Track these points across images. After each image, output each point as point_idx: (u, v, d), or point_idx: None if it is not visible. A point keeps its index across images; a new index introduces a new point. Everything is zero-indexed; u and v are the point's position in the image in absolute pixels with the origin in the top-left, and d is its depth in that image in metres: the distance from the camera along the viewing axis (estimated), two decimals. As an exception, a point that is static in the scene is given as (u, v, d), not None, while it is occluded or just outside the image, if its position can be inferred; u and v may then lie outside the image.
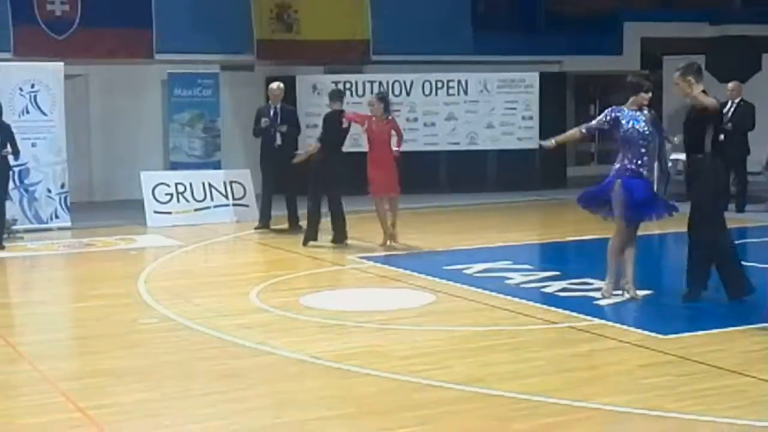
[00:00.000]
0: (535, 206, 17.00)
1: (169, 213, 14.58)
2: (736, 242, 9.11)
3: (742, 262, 8.76)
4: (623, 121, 8.38)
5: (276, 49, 18.51)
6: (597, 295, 8.66)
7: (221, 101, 17.86)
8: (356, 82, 18.18)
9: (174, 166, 17.05)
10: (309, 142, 12.64)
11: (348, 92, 17.72)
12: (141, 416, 5.71)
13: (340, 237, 12.07)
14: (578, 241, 12.41)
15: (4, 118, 12.50)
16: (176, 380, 6.42)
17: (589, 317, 7.90)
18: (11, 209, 13.27)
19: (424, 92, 18.45)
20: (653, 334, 7.29)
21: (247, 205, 14.94)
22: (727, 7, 22.86)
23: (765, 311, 7.67)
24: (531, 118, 18.61)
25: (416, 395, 5.97)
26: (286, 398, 6.01)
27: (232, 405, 5.87)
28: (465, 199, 17.11)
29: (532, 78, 18.76)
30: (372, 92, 17.41)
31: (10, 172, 12.76)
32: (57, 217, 14.18)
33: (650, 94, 8.51)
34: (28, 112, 14.05)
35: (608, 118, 8.43)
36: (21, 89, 14.05)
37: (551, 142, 8.78)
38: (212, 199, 14.90)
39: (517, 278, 9.70)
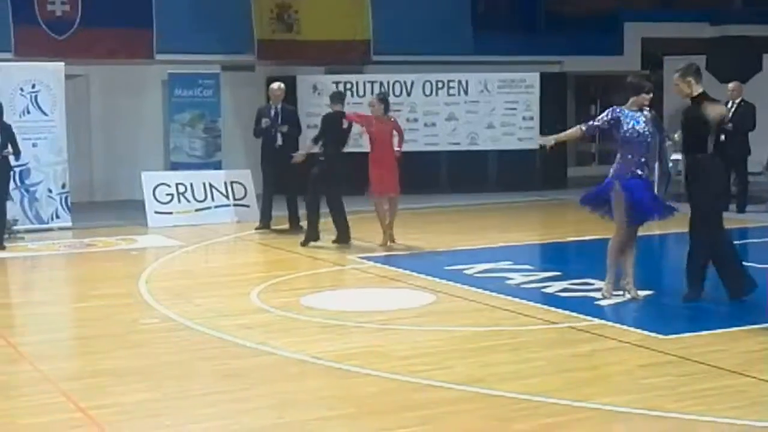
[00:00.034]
0: (536, 206, 17.00)
1: (170, 213, 14.58)
2: (737, 243, 9.11)
3: (743, 263, 8.78)
4: (624, 122, 8.38)
5: (276, 50, 18.52)
6: (597, 295, 8.66)
7: (222, 101, 17.85)
8: (357, 83, 18.18)
9: (175, 166, 17.05)
10: (309, 143, 12.63)
11: (349, 92, 17.73)
12: (142, 416, 5.71)
13: (343, 237, 12.08)
14: (579, 242, 12.42)
15: (5, 119, 12.51)
16: (177, 380, 6.43)
17: (589, 317, 7.91)
18: (12, 209, 13.27)
19: (424, 92, 18.45)
20: (653, 335, 7.30)
21: (247, 206, 14.94)
22: (727, 7, 22.86)
23: (766, 311, 7.67)
24: (531, 118, 18.61)
25: (417, 395, 5.98)
26: (286, 398, 6.01)
27: (233, 405, 5.88)
28: (465, 199, 17.11)
29: (533, 78, 18.75)
30: (372, 92, 17.42)
31: (11, 173, 12.77)
32: (58, 217, 14.18)
33: (651, 95, 8.51)
34: (28, 113, 14.05)
35: (609, 118, 8.43)
36: (22, 89, 14.05)
37: (550, 141, 8.77)
38: (213, 199, 14.91)
39: (517, 278, 9.71)
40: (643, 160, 8.40)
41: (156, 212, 14.53)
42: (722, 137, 8.40)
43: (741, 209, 14.71)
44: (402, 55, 19.02)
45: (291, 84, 16.53)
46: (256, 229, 13.71)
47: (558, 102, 19.50)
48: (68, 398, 6.02)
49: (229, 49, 18.21)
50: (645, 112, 8.47)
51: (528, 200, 17.37)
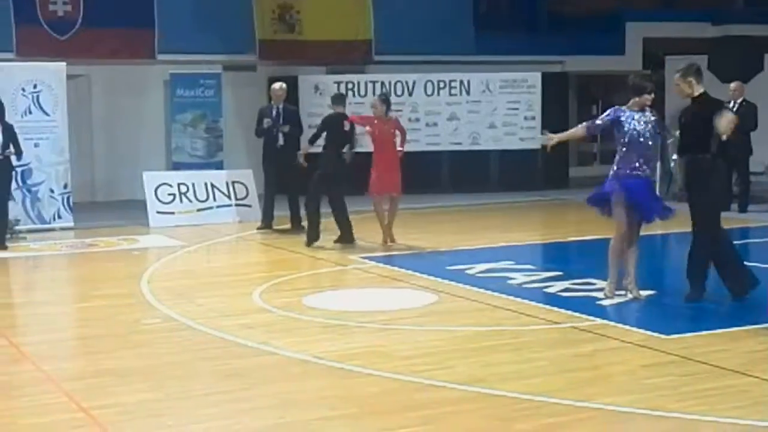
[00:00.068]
0: (538, 206, 17.00)
1: (172, 213, 14.59)
2: (740, 242, 9.11)
3: (744, 261, 8.78)
4: (625, 122, 8.37)
5: (278, 50, 18.52)
6: (599, 295, 8.66)
7: (223, 101, 17.88)
8: (358, 83, 18.19)
9: (176, 166, 17.07)
10: (306, 143, 12.64)
11: (350, 92, 17.76)
12: (144, 416, 5.72)
13: (347, 237, 12.07)
14: (581, 242, 12.41)
15: (7, 119, 12.52)
16: (179, 380, 6.43)
17: (591, 317, 7.90)
18: (14, 209, 13.27)
19: (426, 92, 18.45)
20: (656, 334, 7.29)
21: (249, 206, 14.94)
22: (729, 7, 22.85)
23: (767, 311, 7.67)
24: (533, 118, 18.60)
25: (418, 395, 5.98)
26: (288, 398, 6.01)
27: (235, 405, 5.88)
28: (467, 199, 17.11)
29: (535, 78, 18.75)
30: (374, 92, 17.44)
31: (13, 173, 12.77)
32: (60, 217, 14.19)
33: (653, 96, 8.50)
34: (30, 113, 14.06)
35: (611, 117, 8.43)
36: (23, 89, 14.06)
37: (552, 141, 8.74)
38: (215, 199, 14.91)
39: (519, 278, 9.71)
40: (643, 160, 8.39)
41: (158, 212, 14.54)
42: (723, 137, 8.38)
43: (743, 209, 14.71)
44: (403, 55, 19.02)
45: (292, 84, 16.54)
46: (258, 229, 13.72)
47: (560, 102, 19.50)
48: (70, 398, 6.02)
49: (231, 49, 18.21)
50: (647, 113, 8.46)
51: (530, 200, 17.37)
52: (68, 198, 14.28)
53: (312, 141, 12.21)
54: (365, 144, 12.41)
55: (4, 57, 15.45)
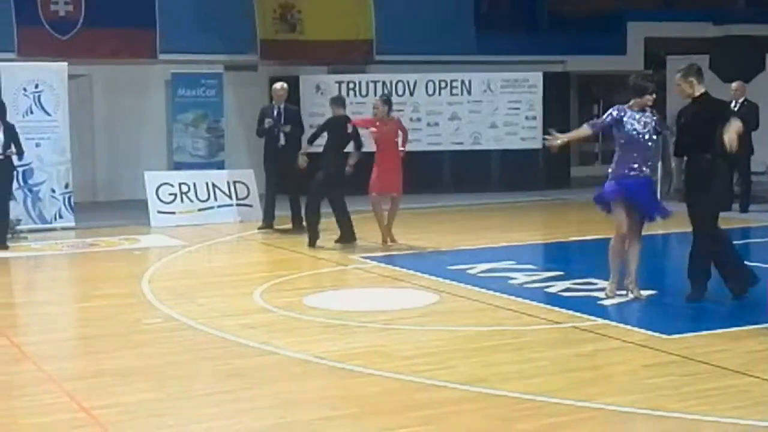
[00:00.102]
0: (539, 206, 17.00)
1: (173, 213, 14.59)
2: (741, 242, 9.11)
3: (744, 261, 8.79)
4: (626, 122, 8.37)
5: (279, 50, 18.53)
6: (600, 295, 8.66)
7: (225, 101, 17.88)
8: (359, 82, 18.19)
9: (178, 166, 17.08)
10: (306, 144, 12.65)
11: (351, 92, 17.79)
12: (145, 416, 5.71)
13: (348, 237, 12.08)
14: (582, 241, 12.41)
15: (8, 119, 12.53)
16: (180, 380, 6.43)
17: (592, 317, 7.90)
18: (15, 209, 13.29)
19: (427, 92, 18.46)
20: (657, 334, 7.29)
21: (250, 205, 14.95)
22: (730, 6, 22.84)
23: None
24: (534, 118, 18.61)
25: (420, 395, 5.98)
26: (289, 398, 6.01)
27: (236, 405, 5.88)
28: (468, 199, 17.12)
29: (536, 78, 18.76)
30: (375, 92, 17.46)
31: (15, 173, 12.78)
32: (61, 217, 14.19)
33: (654, 96, 8.50)
34: (32, 112, 14.07)
35: (613, 117, 8.42)
36: (25, 89, 14.07)
37: (557, 142, 8.72)
38: (216, 199, 14.92)
39: (520, 278, 9.70)
40: (642, 159, 8.39)
41: (159, 212, 14.54)
42: (730, 147, 8.38)
43: (744, 209, 14.71)
44: (405, 55, 19.03)
45: (294, 84, 16.54)
46: (259, 228, 13.72)
47: (561, 101, 19.50)
48: (71, 398, 6.02)
49: (232, 49, 18.22)
50: (647, 113, 8.46)
51: (531, 200, 17.37)
52: (69, 198, 14.29)
53: (311, 141, 12.21)
54: (367, 144, 12.40)
55: (6, 57, 15.46)
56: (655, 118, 8.48)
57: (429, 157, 18.24)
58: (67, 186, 14.27)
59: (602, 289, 8.74)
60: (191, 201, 14.78)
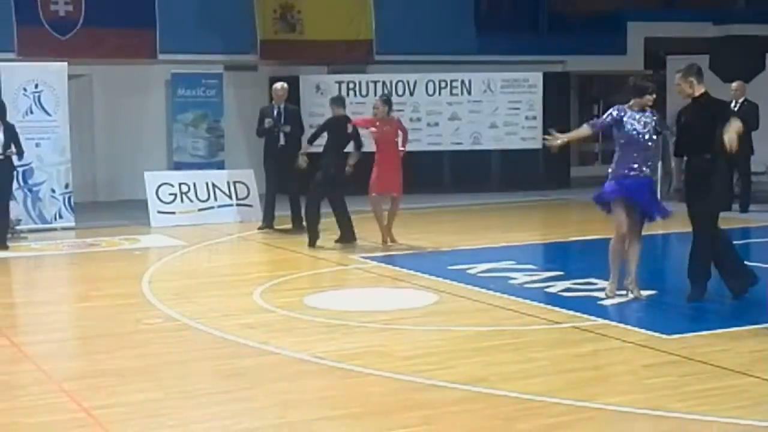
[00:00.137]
0: (539, 206, 17.00)
1: (173, 213, 14.59)
2: (741, 242, 9.11)
3: (744, 261, 8.79)
4: (626, 122, 8.38)
5: (279, 50, 18.53)
6: (600, 295, 8.66)
7: (225, 101, 17.90)
8: (359, 82, 18.19)
9: (178, 166, 17.10)
10: (306, 143, 12.66)
11: (351, 92, 17.80)
12: (145, 416, 5.71)
13: (348, 236, 12.09)
14: (582, 241, 12.41)
15: (8, 119, 12.53)
16: (180, 380, 6.43)
17: (592, 317, 7.90)
18: (15, 209, 13.29)
19: (427, 92, 18.46)
20: (657, 334, 7.29)
21: (250, 205, 14.95)
22: (730, 6, 22.85)
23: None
24: (534, 117, 18.61)
25: (420, 395, 5.98)
26: (289, 398, 6.01)
27: (236, 405, 5.88)
28: (468, 199, 17.12)
29: (536, 78, 18.77)
30: (375, 92, 17.47)
31: (15, 173, 12.78)
32: (61, 217, 14.19)
33: (654, 96, 8.50)
34: (32, 112, 14.07)
35: (613, 116, 8.42)
36: (25, 89, 14.06)
37: (557, 142, 8.71)
38: (216, 199, 14.91)
39: (520, 278, 9.70)
40: (641, 159, 8.39)
41: (159, 212, 14.54)
42: (730, 147, 8.38)
43: (744, 209, 14.71)
44: (405, 55, 19.04)
45: (294, 84, 16.54)
46: (259, 228, 13.73)
47: (561, 102, 19.51)
48: (71, 398, 6.02)
49: (232, 49, 18.22)
50: (647, 113, 8.46)
51: (531, 200, 17.37)
52: (69, 198, 14.29)
53: (311, 141, 12.22)
54: (367, 144, 12.40)
55: (6, 57, 15.47)
56: (654, 118, 8.48)
57: (429, 157, 18.25)
58: (67, 186, 14.27)
59: (602, 289, 8.74)
60: (191, 201, 14.77)
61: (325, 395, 6.08)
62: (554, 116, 18.73)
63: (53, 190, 14.16)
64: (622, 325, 7.64)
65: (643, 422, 5.48)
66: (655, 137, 8.47)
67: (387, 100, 12.12)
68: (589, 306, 8.31)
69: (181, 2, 17.72)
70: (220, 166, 17.08)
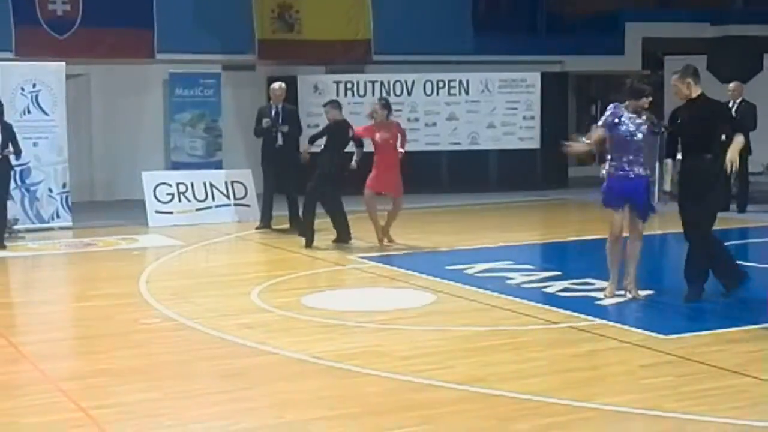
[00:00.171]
0: (537, 206, 17.00)
1: (171, 213, 14.59)
2: (739, 243, 9.13)
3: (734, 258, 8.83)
4: (623, 122, 8.39)
5: (277, 49, 18.53)
6: (598, 295, 8.66)
7: (222, 101, 17.90)
8: (357, 82, 18.20)
9: (175, 165, 17.10)
10: (306, 143, 12.66)
11: (349, 92, 17.81)
12: (142, 416, 5.71)
13: (344, 237, 12.10)
14: (579, 241, 12.42)
15: (6, 118, 12.53)
16: (178, 380, 6.43)
17: (590, 317, 7.91)
18: (13, 209, 13.28)
19: (425, 92, 18.47)
20: (654, 334, 7.30)
21: (248, 205, 14.94)
22: (728, 7, 22.85)
23: (766, 311, 7.67)
24: (532, 118, 18.63)
25: (417, 395, 5.98)
26: (287, 398, 6.01)
27: (234, 405, 5.88)
28: (466, 199, 17.12)
29: (534, 78, 18.77)
30: (373, 92, 17.48)
31: (12, 172, 12.77)
32: (58, 216, 14.19)
33: (650, 99, 8.50)
34: (29, 112, 14.06)
35: (613, 114, 8.42)
36: (22, 89, 14.06)
37: (582, 148, 8.69)
38: (213, 199, 14.91)
39: (518, 278, 9.71)
40: (633, 159, 8.39)
41: (156, 212, 14.54)
42: (723, 137, 8.40)
43: (742, 209, 14.72)
44: (403, 55, 19.04)
45: (292, 84, 16.55)
46: (257, 228, 13.73)
47: (559, 102, 19.53)
48: (69, 398, 6.02)
49: (230, 49, 18.22)
50: (642, 116, 8.45)
51: (529, 200, 17.37)
52: (67, 197, 14.29)
53: (312, 141, 12.24)
54: (367, 144, 12.40)
55: (3, 56, 15.47)
56: (651, 119, 8.48)
57: (427, 157, 18.24)
58: (64, 185, 14.26)
59: (600, 289, 8.75)
60: (189, 201, 14.77)
61: (323, 395, 6.08)
62: (552, 116, 18.79)
63: (51, 190, 14.15)
64: (619, 325, 7.65)
65: (640, 422, 5.48)
66: (648, 137, 8.44)
67: (386, 104, 12.13)
68: (586, 306, 8.32)
69: (178, 2, 17.73)
70: (218, 165, 17.08)
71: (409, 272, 10.20)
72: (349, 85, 18.04)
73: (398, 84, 18.33)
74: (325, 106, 12.38)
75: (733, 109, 14.46)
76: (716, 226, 8.66)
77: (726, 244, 9.19)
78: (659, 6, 23.58)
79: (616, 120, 8.39)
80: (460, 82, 18.53)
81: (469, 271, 10.14)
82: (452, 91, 18.51)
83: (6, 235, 12.57)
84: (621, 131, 8.36)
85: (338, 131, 11.97)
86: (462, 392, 5.99)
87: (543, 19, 21.75)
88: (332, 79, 18.32)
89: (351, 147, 12.32)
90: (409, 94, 18.37)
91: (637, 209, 8.50)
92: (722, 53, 18.29)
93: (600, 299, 8.55)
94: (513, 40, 20.29)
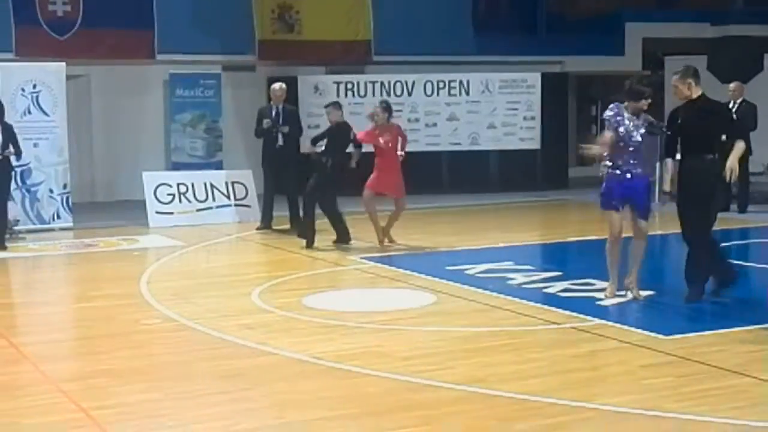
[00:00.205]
0: (537, 207, 17.00)
1: (171, 213, 14.59)
2: (739, 243, 9.13)
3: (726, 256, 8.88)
4: (622, 122, 8.40)
5: (278, 50, 18.53)
6: (599, 295, 8.67)
7: (223, 102, 17.90)
8: (358, 83, 18.19)
9: (176, 166, 17.10)
10: (308, 143, 12.66)
11: (350, 93, 17.81)
12: (143, 416, 5.72)
13: (343, 238, 12.11)
14: (580, 242, 12.42)
15: (6, 119, 12.53)
16: (178, 380, 6.43)
17: (590, 318, 7.91)
18: (13, 209, 13.28)
19: (425, 92, 18.46)
20: (654, 335, 7.30)
21: (248, 206, 14.95)
22: (728, 7, 22.84)
23: (766, 311, 7.68)
24: (533, 118, 18.63)
25: (417, 396, 5.98)
26: (288, 398, 6.02)
27: (235, 405, 5.88)
28: (467, 199, 17.12)
29: (534, 78, 18.77)
30: (374, 93, 17.49)
31: (13, 173, 12.78)
32: (59, 217, 14.19)
33: (649, 101, 8.50)
34: (30, 113, 14.06)
35: (615, 113, 8.43)
36: (23, 90, 14.06)
37: (600, 151, 8.71)
38: (214, 199, 14.91)
39: (518, 279, 9.71)
40: (636, 159, 8.40)
41: (157, 212, 14.54)
42: (723, 137, 8.41)
43: (742, 209, 14.72)
44: (403, 56, 19.04)
45: (292, 84, 16.55)
46: (257, 229, 13.73)
47: (559, 102, 19.53)
48: (70, 399, 6.03)
49: (230, 50, 18.22)
50: (641, 118, 8.45)
51: (529, 200, 17.37)
52: (67, 198, 14.29)
53: (314, 143, 12.23)
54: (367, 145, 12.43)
55: (4, 57, 15.46)
56: (648, 120, 8.48)
57: (427, 157, 18.23)
58: (65, 186, 14.27)
59: (600, 290, 8.75)
60: (189, 201, 14.78)
61: (323, 395, 6.09)
62: (552, 117, 18.79)
63: (51, 191, 14.15)
64: (619, 326, 7.65)
65: (640, 422, 5.48)
66: (640, 138, 8.43)
67: (387, 107, 12.13)
68: (587, 306, 8.32)
69: (179, 3, 17.73)
70: (219, 166, 17.08)
71: (410, 273, 10.20)
72: (349, 86, 18.04)
73: (398, 84, 18.33)
74: (326, 107, 12.39)
75: (734, 110, 14.47)
76: (717, 227, 8.67)
77: (727, 244, 9.21)
78: (659, 6, 23.56)
79: (617, 119, 8.39)
80: (461, 82, 18.53)
81: (470, 272, 10.14)
82: (452, 92, 18.51)
83: (7, 236, 12.58)
84: (620, 132, 8.37)
85: (339, 133, 12.00)
86: (462, 393, 6.00)
87: (543, 19, 21.75)
88: (332, 79, 18.32)
89: (350, 147, 12.33)
90: (410, 94, 18.37)
91: (638, 209, 8.50)
92: (722, 53, 18.28)
93: (600, 300, 8.55)
94: (513, 41, 20.29)
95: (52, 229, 13.93)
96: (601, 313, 8.11)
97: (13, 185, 13.00)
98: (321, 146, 12.17)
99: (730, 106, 14.30)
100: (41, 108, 14.15)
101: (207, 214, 14.72)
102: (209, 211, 14.80)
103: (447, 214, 15.92)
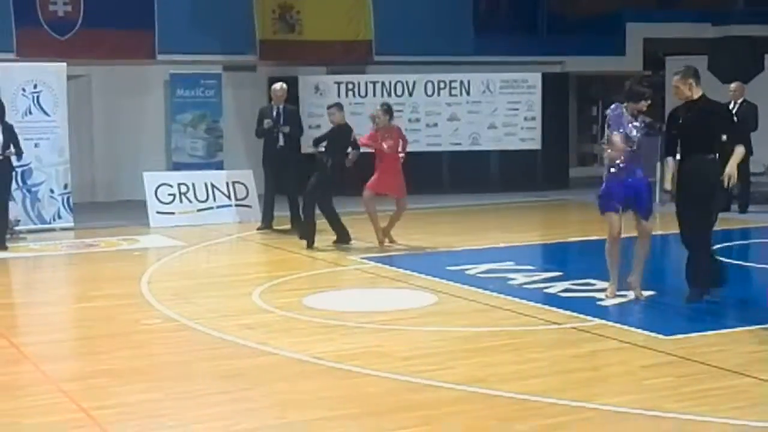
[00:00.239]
0: (538, 207, 17.00)
1: (172, 213, 14.59)
2: (740, 243, 9.14)
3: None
4: (623, 123, 8.40)
5: (278, 50, 18.53)
6: (599, 295, 8.67)
7: (224, 102, 17.90)
8: (359, 83, 18.19)
9: (176, 166, 17.10)
10: (310, 143, 12.67)
11: (350, 93, 17.81)
12: (144, 416, 5.72)
13: (343, 238, 12.12)
14: (581, 242, 12.42)
15: (7, 119, 12.53)
16: (179, 380, 6.44)
17: (591, 318, 7.91)
18: (14, 210, 13.28)
19: (426, 93, 18.46)
20: (655, 335, 7.30)
21: (249, 206, 14.95)
22: (729, 7, 22.84)
23: (767, 311, 7.68)
24: (533, 118, 18.62)
25: (418, 396, 5.99)
26: (288, 398, 6.02)
27: (235, 405, 5.89)
28: (467, 199, 17.12)
29: (535, 78, 18.77)
30: (374, 93, 17.49)
31: (14, 173, 12.78)
32: (60, 217, 14.19)
33: (649, 102, 8.50)
34: (30, 113, 14.06)
35: (616, 113, 8.43)
36: (24, 90, 14.06)
37: (614, 154, 8.72)
38: (215, 199, 14.91)
39: (519, 279, 9.71)
40: (631, 160, 8.40)
41: (158, 212, 14.54)
42: (724, 137, 8.40)
43: (743, 210, 14.71)
44: (404, 56, 19.03)
45: (293, 84, 16.54)
46: (258, 229, 13.73)
47: (560, 102, 19.52)
48: (70, 398, 6.03)
49: (231, 50, 18.22)
50: (639, 119, 8.45)
51: (530, 200, 17.37)
52: (68, 198, 14.29)
53: (316, 144, 12.23)
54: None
55: (5, 57, 15.46)
56: (646, 120, 8.48)
57: (428, 157, 18.22)
58: (66, 186, 14.27)
59: (601, 290, 8.75)
60: (190, 201, 14.78)
61: (324, 396, 6.09)
62: (553, 117, 18.78)
63: (52, 191, 14.15)
64: (620, 326, 7.65)
65: (640, 422, 5.49)
66: (639, 139, 8.43)
67: (388, 109, 12.15)
68: (587, 306, 8.32)
69: (179, 3, 17.73)
70: (219, 166, 17.08)
71: (410, 273, 10.20)
72: (350, 86, 18.04)
73: (399, 84, 18.33)
74: (329, 108, 12.38)
75: (735, 110, 14.46)
76: (717, 227, 8.67)
77: (727, 244, 9.21)
78: (660, 6, 23.57)
79: (619, 120, 8.39)
80: (461, 82, 18.53)
81: (470, 272, 10.14)
82: (453, 92, 18.51)
83: (7, 236, 12.58)
84: (620, 132, 8.36)
85: (341, 135, 12.01)
86: (462, 393, 6.00)
87: (544, 19, 21.75)
88: (333, 79, 18.33)
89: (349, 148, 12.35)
90: (410, 94, 18.36)
91: (640, 210, 8.50)
92: (723, 54, 18.27)
93: (601, 300, 8.55)
94: (514, 41, 20.29)
95: (53, 229, 13.93)
96: (602, 313, 8.12)
97: (14, 185, 12.99)
98: (323, 147, 12.18)
99: (731, 106, 14.29)
100: (42, 108, 14.15)
101: (208, 214, 14.72)
102: (210, 211, 14.80)
103: (448, 214, 15.92)
